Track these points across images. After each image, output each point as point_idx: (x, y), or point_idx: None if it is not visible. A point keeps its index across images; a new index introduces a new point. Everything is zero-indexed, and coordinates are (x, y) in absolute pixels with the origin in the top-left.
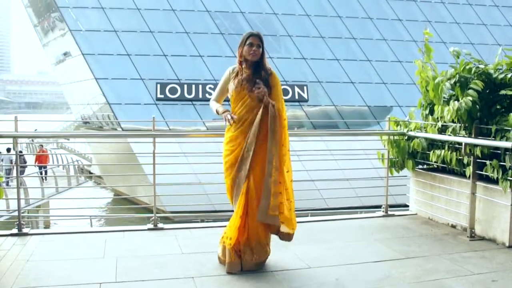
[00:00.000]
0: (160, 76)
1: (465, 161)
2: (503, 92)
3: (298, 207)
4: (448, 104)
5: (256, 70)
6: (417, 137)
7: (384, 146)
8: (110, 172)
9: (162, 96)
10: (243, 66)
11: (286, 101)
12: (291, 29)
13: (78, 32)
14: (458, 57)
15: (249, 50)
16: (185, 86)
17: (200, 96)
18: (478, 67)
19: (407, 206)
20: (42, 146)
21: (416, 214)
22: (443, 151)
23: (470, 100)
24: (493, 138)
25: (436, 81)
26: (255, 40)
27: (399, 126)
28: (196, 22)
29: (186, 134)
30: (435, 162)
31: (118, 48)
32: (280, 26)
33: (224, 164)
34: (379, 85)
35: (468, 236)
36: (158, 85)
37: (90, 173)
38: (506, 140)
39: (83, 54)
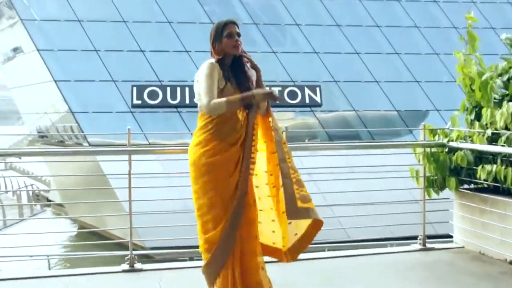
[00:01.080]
0: (136, 77)
1: None
2: None
3: None
4: (500, 107)
5: (238, 65)
6: (461, 149)
7: (419, 161)
8: (74, 199)
9: (140, 102)
10: (225, 63)
11: (294, 106)
12: (299, 16)
13: (31, 22)
14: (511, 47)
15: (231, 42)
16: (168, 89)
17: (187, 101)
18: None
19: (451, 236)
20: None
21: (463, 247)
22: (495, 166)
23: None
24: None
25: (484, 78)
26: (234, 29)
27: (437, 136)
28: (181, 10)
29: (169, 150)
30: (485, 180)
31: (84, 43)
32: (286, 13)
33: (212, 199)
34: (411, 84)
35: None
36: (134, 88)
37: (48, 200)
38: None
39: (38, 50)
